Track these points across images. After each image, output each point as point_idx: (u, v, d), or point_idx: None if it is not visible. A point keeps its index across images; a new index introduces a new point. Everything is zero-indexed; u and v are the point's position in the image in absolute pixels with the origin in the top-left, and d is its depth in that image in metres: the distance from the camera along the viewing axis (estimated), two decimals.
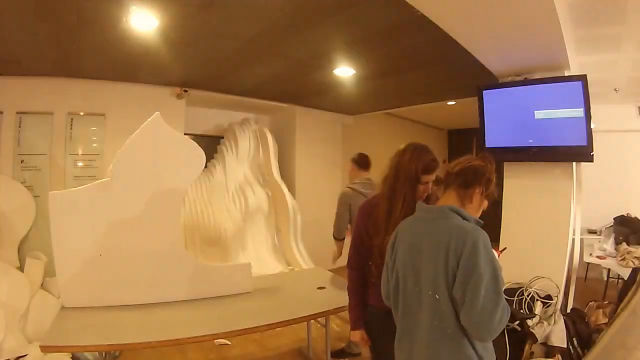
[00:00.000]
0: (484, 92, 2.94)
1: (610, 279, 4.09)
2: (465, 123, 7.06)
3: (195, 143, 2.32)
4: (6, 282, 2.73)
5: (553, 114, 2.71)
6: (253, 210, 4.35)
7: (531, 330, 2.28)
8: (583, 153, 2.60)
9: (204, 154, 2.32)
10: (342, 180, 5.61)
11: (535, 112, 2.77)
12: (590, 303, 2.84)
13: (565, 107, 2.65)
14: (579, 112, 2.58)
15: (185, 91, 3.89)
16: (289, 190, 4.55)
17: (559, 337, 2.27)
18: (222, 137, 4.71)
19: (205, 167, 4.53)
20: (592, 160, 2.58)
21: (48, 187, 3.37)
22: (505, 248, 1.65)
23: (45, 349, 1.64)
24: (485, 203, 1.29)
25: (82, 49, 2.72)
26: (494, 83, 2.96)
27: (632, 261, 3.04)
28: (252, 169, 4.65)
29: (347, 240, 1.91)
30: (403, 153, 1.50)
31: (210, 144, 4.78)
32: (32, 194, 3.24)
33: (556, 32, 2.13)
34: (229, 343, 3.00)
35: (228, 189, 4.36)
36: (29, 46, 2.62)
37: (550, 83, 2.67)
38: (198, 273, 2.28)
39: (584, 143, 2.56)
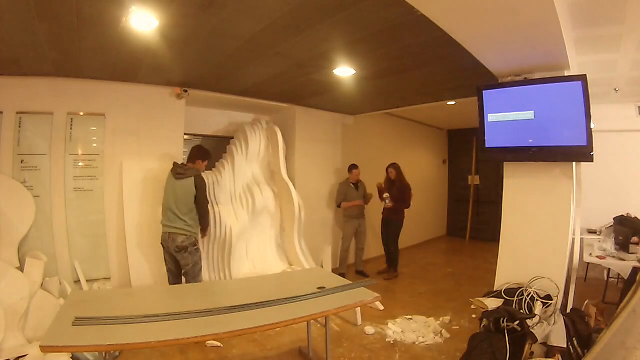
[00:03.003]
0: (484, 92, 2.95)
1: (610, 279, 4.09)
2: (465, 123, 7.07)
3: None
4: (6, 282, 2.73)
5: (506, 117, 2.85)
6: (260, 210, 4.35)
7: (531, 330, 2.28)
8: (583, 153, 2.61)
9: None
10: (342, 180, 5.62)
11: (489, 115, 2.91)
12: (587, 302, 2.84)
13: (513, 110, 2.81)
14: (530, 114, 2.73)
15: (185, 91, 3.89)
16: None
17: (559, 337, 2.27)
18: (223, 137, 4.72)
19: (214, 167, 4.55)
20: (592, 160, 2.58)
21: (48, 187, 3.38)
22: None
23: (45, 349, 1.64)
24: None
25: (82, 49, 2.72)
26: (494, 83, 2.96)
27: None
28: (262, 168, 4.66)
29: None
30: None
31: (210, 144, 4.78)
32: (32, 194, 3.24)
33: (556, 32, 2.14)
34: (221, 345, 2.99)
35: (235, 189, 4.36)
36: (29, 46, 2.62)
37: (550, 83, 2.68)
38: None
39: (584, 143, 2.57)
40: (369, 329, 3.33)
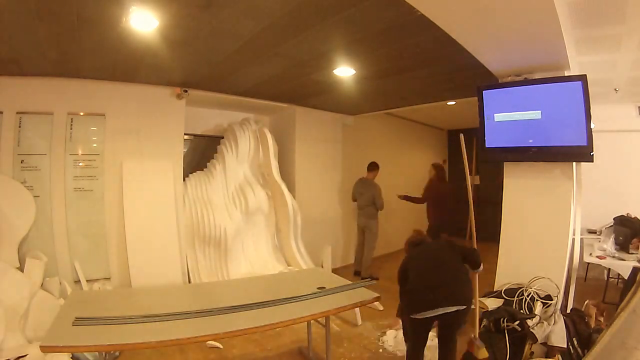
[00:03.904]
0: (484, 92, 2.95)
1: (610, 279, 4.09)
2: (465, 123, 7.07)
3: None
4: (6, 282, 2.73)
5: (510, 117, 2.84)
6: (253, 210, 4.35)
7: (531, 330, 2.28)
8: (583, 153, 2.61)
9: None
10: (342, 180, 5.62)
11: (495, 114, 2.90)
12: (587, 302, 2.84)
13: (522, 110, 2.79)
14: (537, 114, 2.72)
15: (185, 91, 3.89)
16: (289, 190, 4.55)
17: (559, 337, 2.27)
18: (222, 137, 4.72)
19: (205, 167, 4.55)
20: (592, 160, 2.58)
21: (48, 187, 3.38)
22: None
23: (45, 349, 1.64)
24: None
25: (82, 49, 2.72)
26: (494, 83, 2.96)
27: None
28: (252, 169, 4.66)
29: None
30: None
31: (211, 144, 4.78)
32: (32, 194, 3.24)
33: (556, 32, 2.14)
34: (221, 346, 2.98)
35: (228, 189, 4.36)
36: (29, 46, 2.62)
37: (550, 83, 2.68)
38: None
39: (584, 143, 2.57)
40: (369, 329, 3.33)
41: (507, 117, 2.86)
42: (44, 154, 3.38)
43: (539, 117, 2.71)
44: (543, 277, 2.66)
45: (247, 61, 3.11)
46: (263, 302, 2.20)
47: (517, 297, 2.61)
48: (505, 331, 2.32)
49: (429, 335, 2.26)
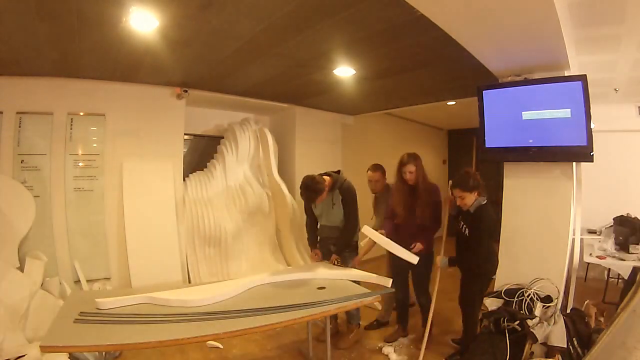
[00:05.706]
0: (484, 92, 2.94)
1: (610, 279, 4.09)
2: (465, 123, 7.07)
3: None
4: (6, 282, 2.73)
5: (540, 115, 2.76)
6: (253, 210, 4.35)
7: (531, 330, 2.28)
8: (583, 153, 2.61)
9: None
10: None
11: (523, 113, 2.83)
12: (587, 302, 2.84)
13: (553, 108, 2.70)
14: (566, 112, 2.64)
15: (185, 91, 3.89)
16: (288, 190, 4.55)
17: (559, 337, 2.27)
18: (222, 137, 4.72)
19: (205, 167, 4.55)
20: (592, 160, 2.58)
21: (48, 187, 3.38)
22: None
23: (45, 348, 1.64)
24: None
25: (82, 49, 2.72)
26: (494, 83, 2.96)
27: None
28: (252, 169, 4.66)
29: None
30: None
31: (211, 144, 4.78)
32: (32, 194, 3.24)
33: (556, 32, 2.14)
34: (221, 346, 2.99)
35: (228, 189, 4.36)
36: (29, 46, 2.62)
37: (550, 83, 2.68)
38: None
39: (584, 143, 2.57)
40: (369, 329, 3.33)
41: (535, 115, 2.77)
42: (44, 154, 3.38)
43: (569, 115, 2.64)
44: (543, 279, 2.66)
45: (247, 61, 3.11)
46: (264, 309, 2.20)
47: (517, 297, 2.61)
48: (506, 331, 2.33)
49: None
